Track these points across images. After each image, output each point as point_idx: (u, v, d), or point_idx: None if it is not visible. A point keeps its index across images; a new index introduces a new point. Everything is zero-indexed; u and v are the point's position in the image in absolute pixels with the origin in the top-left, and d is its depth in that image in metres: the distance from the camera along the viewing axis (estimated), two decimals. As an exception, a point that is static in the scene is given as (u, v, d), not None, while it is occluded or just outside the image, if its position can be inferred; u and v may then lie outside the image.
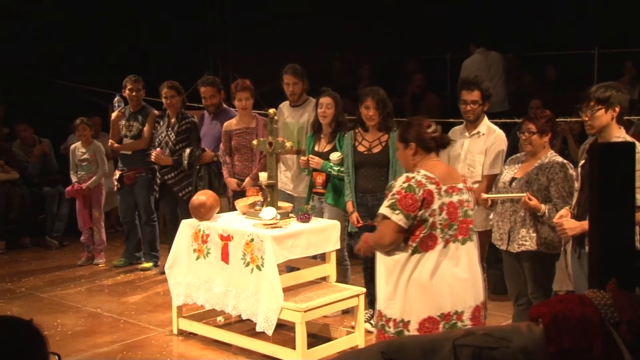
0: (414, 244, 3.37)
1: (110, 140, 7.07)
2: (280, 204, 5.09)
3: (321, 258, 5.16)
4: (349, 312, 5.30)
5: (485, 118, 4.93)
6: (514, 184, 4.28)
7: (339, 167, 5.28)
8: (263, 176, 5.11)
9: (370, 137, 5.18)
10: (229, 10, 9.15)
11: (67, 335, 5.22)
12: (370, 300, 5.22)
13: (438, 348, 1.84)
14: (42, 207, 8.01)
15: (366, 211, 5.10)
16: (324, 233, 4.93)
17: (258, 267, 4.61)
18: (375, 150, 5.13)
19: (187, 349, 4.98)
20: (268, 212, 4.84)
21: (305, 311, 4.48)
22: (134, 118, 6.90)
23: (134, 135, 6.89)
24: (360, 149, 5.18)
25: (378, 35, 9.18)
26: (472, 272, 3.48)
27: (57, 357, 1.86)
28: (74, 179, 7.24)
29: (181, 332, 5.17)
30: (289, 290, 4.66)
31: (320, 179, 5.43)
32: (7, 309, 5.68)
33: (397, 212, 3.33)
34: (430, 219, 3.35)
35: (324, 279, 5.02)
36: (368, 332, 5.00)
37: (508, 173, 4.39)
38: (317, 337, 4.95)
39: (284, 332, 4.92)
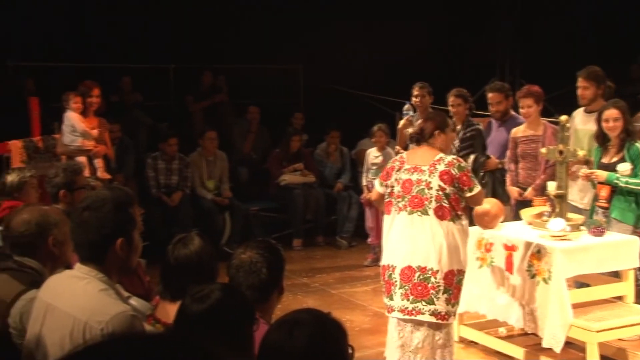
0: (382, 208, 4.33)
1: (397, 147, 7.33)
2: (569, 215, 4.83)
3: (615, 275, 4.78)
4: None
5: None
6: None
7: (627, 179, 4.87)
8: (552, 186, 4.88)
9: None
10: (517, 15, 8.91)
11: (355, 331, 5.52)
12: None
13: None
14: (334, 209, 8.58)
15: None
16: (620, 249, 4.57)
17: (545, 280, 4.42)
18: None
19: (468, 357, 4.97)
20: (557, 224, 4.62)
21: (598, 331, 4.21)
22: (419, 125, 7.07)
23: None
24: None
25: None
26: (413, 239, 4.07)
27: (351, 349, 2.00)
28: (363, 181, 7.65)
29: (462, 340, 5.16)
30: (578, 308, 4.41)
31: (604, 191, 5.02)
32: (303, 302, 6.18)
33: (378, 181, 4.37)
34: (389, 189, 4.23)
35: (619, 298, 4.66)
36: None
37: None
38: (609, 360, 4.59)
39: (572, 350, 4.64)
